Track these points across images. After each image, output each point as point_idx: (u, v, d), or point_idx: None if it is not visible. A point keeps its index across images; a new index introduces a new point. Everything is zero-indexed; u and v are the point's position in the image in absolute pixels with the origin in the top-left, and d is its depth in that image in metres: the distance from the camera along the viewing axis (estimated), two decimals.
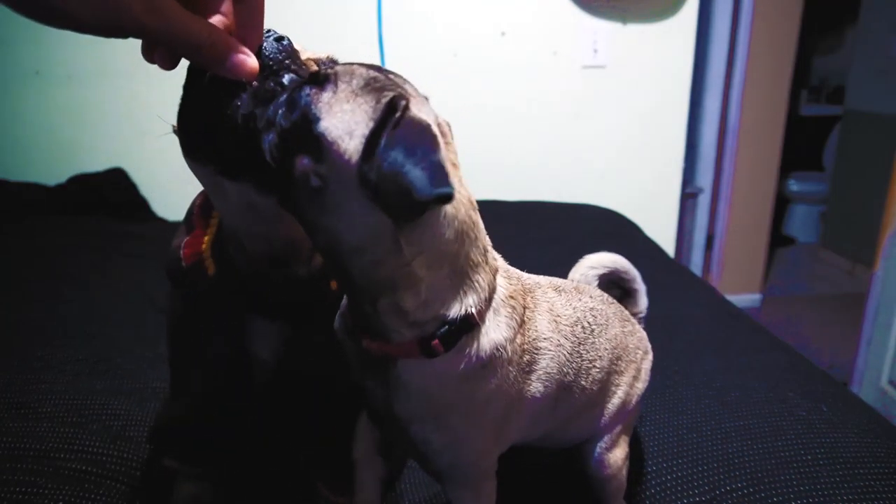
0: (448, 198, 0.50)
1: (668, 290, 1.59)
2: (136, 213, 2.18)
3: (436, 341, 0.58)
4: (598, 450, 0.83)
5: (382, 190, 0.49)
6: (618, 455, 0.84)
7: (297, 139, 0.52)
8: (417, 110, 0.53)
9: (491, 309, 0.62)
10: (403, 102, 0.51)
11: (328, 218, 0.53)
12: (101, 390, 1.11)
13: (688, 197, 3.09)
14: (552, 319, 0.71)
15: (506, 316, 0.63)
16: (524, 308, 0.67)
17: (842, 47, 4.55)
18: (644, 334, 0.90)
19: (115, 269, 1.71)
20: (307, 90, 0.53)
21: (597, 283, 0.90)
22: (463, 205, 0.57)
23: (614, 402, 0.82)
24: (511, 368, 0.64)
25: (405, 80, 0.57)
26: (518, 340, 0.65)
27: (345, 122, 0.51)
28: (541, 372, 0.69)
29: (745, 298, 3.28)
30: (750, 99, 3.04)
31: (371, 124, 0.51)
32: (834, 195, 3.99)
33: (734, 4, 2.94)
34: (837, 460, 0.95)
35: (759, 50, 2.98)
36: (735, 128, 3.09)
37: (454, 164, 0.58)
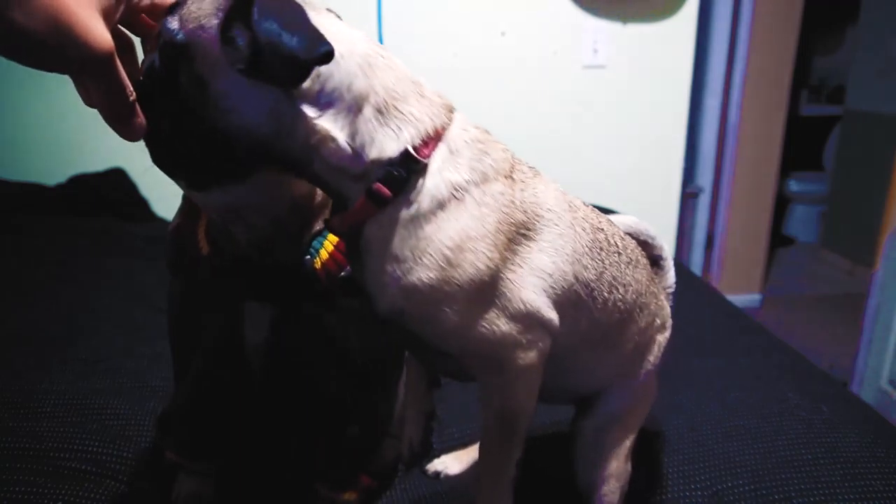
0: (329, 55, 0.51)
1: None
2: (136, 213, 2.18)
3: (377, 185, 0.56)
4: (593, 452, 0.77)
5: (264, 63, 0.50)
6: (614, 466, 0.78)
7: (171, 63, 0.54)
8: None
9: (444, 147, 0.58)
10: None
11: (227, 116, 0.54)
12: (100, 390, 1.11)
13: (688, 197, 3.09)
14: (567, 203, 0.66)
15: (470, 157, 0.59)
16: (512, 167, 0.62)
17: (842, 47, 4.55)
18: (667, 307, 0.83)
19: (116, 269, 1.71)
20: (167, 20, 0.54)
21: None
22: (358, 43, 0.56)
23: (627, 357, 0.76)
24: (488, 212, 0.58)
25: None
26: (498, 188, 0.59)
27: (196, 20, 0.53)
28: (546, 244, 0.62)
29: (745, 298, 3.28)
30: (750, 99, 3.04)
31: (220, 10, 0.52)
32: (834, 195, 3.99)
33: (734, 4, 2.94)
34: (837, 460, 0.95)
35: (759, 50, 2.98)
36: (735, 128, 3.09)
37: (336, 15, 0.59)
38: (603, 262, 0.67)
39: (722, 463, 0.96)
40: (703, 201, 3.21)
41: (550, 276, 0.62)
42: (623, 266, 0.71)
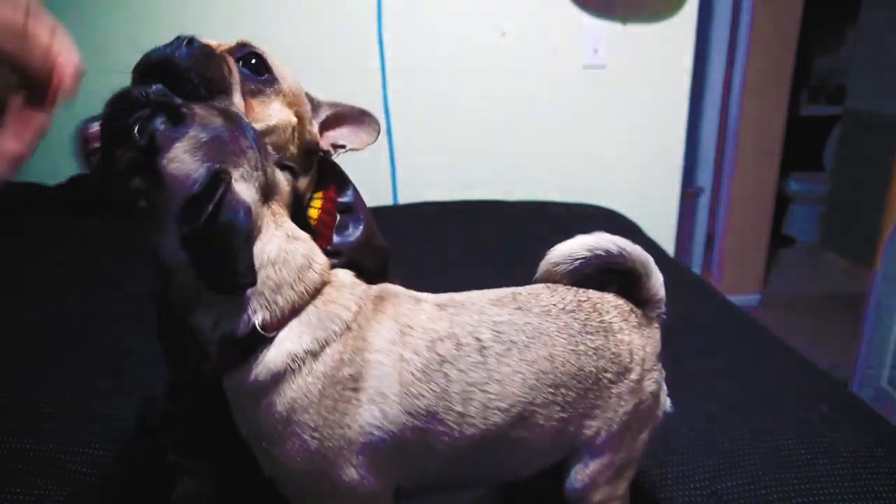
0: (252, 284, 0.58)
1: (668, 289, 1.59)
2: (136, 212, 2.18)
3: (224, 351, 0.61)
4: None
5: (201, 266, 0.56)
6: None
7: (141, 163, 0.58)
8: (240, 189, 0.58)
9: (296, 322, 0.62)
10: (225, 182, 0.56)
11: (150, 235, 0.61)
12: (102, 391, 1.11)
13: (688, 197, 3.09)
14: (398, 330, 0.64)
15: (316, 327, 0.62)
16: (355, 315, 0.64)
17: (842, 47, 4.55)
18: (630, 346, 0.72)
19: (116, 269, 1.71)
20: (160, 121, 0.57)
21: (568, 281, 0.75)
22: (275, 239, 0.62)
23: (560, 432, 0.69)
24: (314, 380, 0.61)
25: (254, 143, 0.62)
26: (334, 350, 0.62)
27: (180, 171, 0.57)
28: (373, 390, 0.62)
29: (745, 298, 3.28)
30: (750, 99, 3.04)
31: (197, 185, 0.57)
32: (834, 195, 3.98)
33: (734, 4, 2.94)
34: (837, 460, 0.95)
35: (759, 50, 2.98)
36: (735, 128, 3.09)
37: (280, 208, 0.64)
38: (446, 377, 0.64)
39: (721, 463, 0.96)
40: (703, 201, 3.21)
41: (380, 427, 0.62)
42: (493, 362, 0.65)
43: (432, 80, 2.27)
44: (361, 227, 0.85)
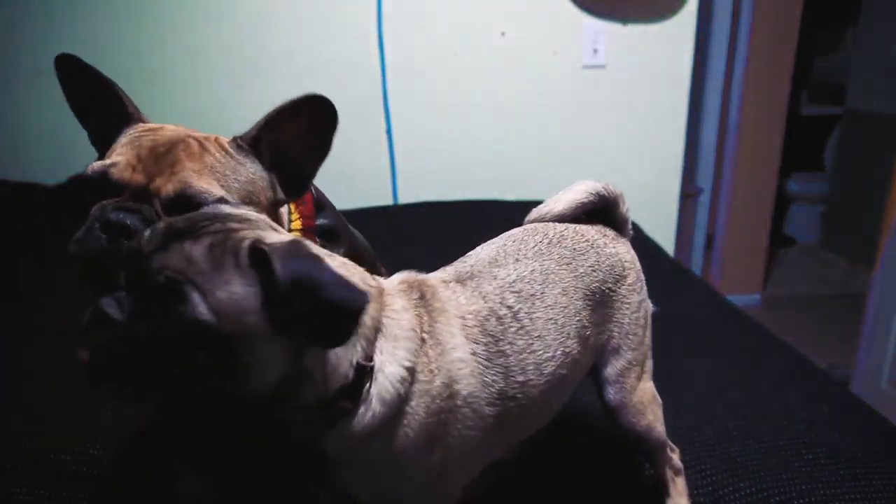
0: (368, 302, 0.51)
1: (669, 290, 1.59)
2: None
3: (323, 414, 0.56)
4: (616, 402, 0.80)
5: (310, 330, 0.49)
6: (644, 403, 0.81)
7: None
8: (273, 240, 0.50)
9: (383, 338, 0.57)
10: (259, 247, 0.49)
11: (232, 382, 0.51)
12: (102, 392, 1.11)
13: (688, 197, 3.09)
14: (460, 324, 0.64)
15: (400, 336, 0.58)
16: (419, 318, 0.61)
17: (842, 47, 4.55)
18: (618, 256, 0.80)
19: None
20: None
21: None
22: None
23: (596, 345, 0.76)
24: (418, 402, 0.58)
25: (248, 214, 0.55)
26: (422, 362, 0.59)
27: (228, 303, 0.49)
28: (465, 394, 0.62)
29: (745, 298, 3.28)
30: (750, 99, 3.04)
31: (257, 296, 0.49)
32: (834, 195, 3.99)
33: (734, 4, 2.94)
34: (838, 460, 0.95)
35: (759, 50, 2.98)
36: (735, 128, 3.09)
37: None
38: (503, 355, 0.66)
39: (723, 463, 0.96)
40: (703, 201, 3.21)
41: (473, 426, 0.63)
42: (527, 322, 0.68)
43: (432, 80, 2.27)
44: (341, 252, 0.84)
